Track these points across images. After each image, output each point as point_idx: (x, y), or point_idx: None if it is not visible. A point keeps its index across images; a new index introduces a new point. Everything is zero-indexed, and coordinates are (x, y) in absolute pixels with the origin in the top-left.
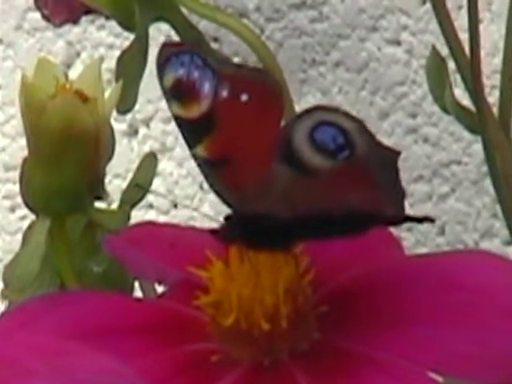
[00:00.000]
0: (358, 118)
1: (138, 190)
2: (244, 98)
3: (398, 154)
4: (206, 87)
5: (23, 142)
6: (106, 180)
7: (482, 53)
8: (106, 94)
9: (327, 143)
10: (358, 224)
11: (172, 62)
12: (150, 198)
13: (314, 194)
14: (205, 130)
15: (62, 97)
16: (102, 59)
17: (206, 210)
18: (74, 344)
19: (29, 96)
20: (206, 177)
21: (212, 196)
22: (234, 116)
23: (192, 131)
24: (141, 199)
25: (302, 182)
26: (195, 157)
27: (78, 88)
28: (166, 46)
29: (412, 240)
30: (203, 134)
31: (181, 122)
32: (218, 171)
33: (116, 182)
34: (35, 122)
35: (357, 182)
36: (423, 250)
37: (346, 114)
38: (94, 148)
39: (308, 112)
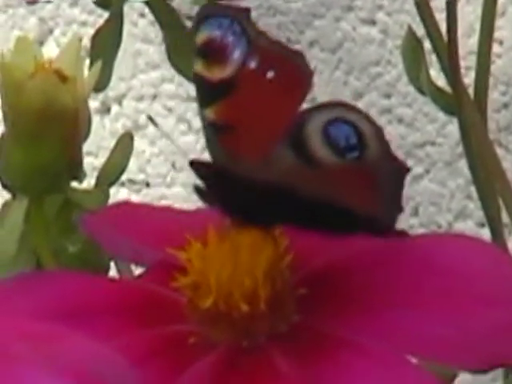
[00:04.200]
0: (378, 125)
1: (113, 169)
2: (270, 74)
3: (407, 169)
4: (236, 54)
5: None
6: None
7: (458, 33)
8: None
9: (339, 139)
10: (343, 224)
11: (210, 21)
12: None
13: (311, 184)
14: (221, 94)
15: (41, 76)
16: (80, 38)
17: (178, 189)
18: (58, 328)
19: (7, 75)
20: (207, 140)
21: (184, 175)
22: (255, 89)
23: (208, 92)
24: (117, 179)
25: (303, 170)
26: (203, 117)
27: (57, 67)
28: (209, 5)
29: None
30: (218, 98)
31: (199, 81)
32: (221, 136)
33: (88, 160)
34: (14, 101)
35: (358, 185)
36: None
37: (368, 118)
38: (72, 127)
39: (330, 105)
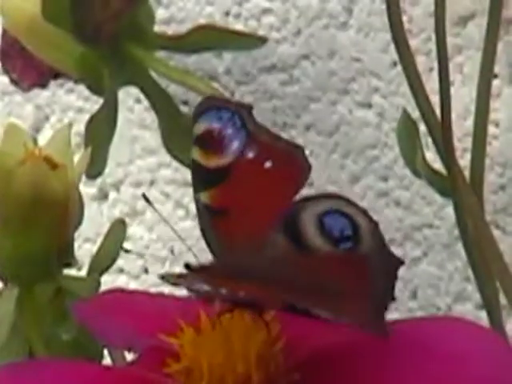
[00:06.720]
0: (374, 220)
1: (105, 256)
2: (267, 165)
3: (401, 263)
4: (235, 145)
5: None
6: (76, 245)
7: (454, 115)
8: (76, 158)
9: (334, 230)
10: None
11: (210, 113)
12: (120, 262)
13: (303, 271)
14: (216, 181)
15: (30, 163)
16: (70, 125)
17: None
18: None
19: None
20: (201, 222)
21: (182, 261)
22: (251, 177)
23: (203, 177)
24: (110, 266)
25: (296, 256)
26: (197, 200)
27: (47, 154)
28: (212, 97)
29: None
30: (213, 183)
31: (195, 166)
32: (214, 219)
33: (86, 247)
34: (4, 188)
35: (350, 274)
36: (395, 315)
37: (365, 213)
38: (63, 215)
39: (328, 197)
